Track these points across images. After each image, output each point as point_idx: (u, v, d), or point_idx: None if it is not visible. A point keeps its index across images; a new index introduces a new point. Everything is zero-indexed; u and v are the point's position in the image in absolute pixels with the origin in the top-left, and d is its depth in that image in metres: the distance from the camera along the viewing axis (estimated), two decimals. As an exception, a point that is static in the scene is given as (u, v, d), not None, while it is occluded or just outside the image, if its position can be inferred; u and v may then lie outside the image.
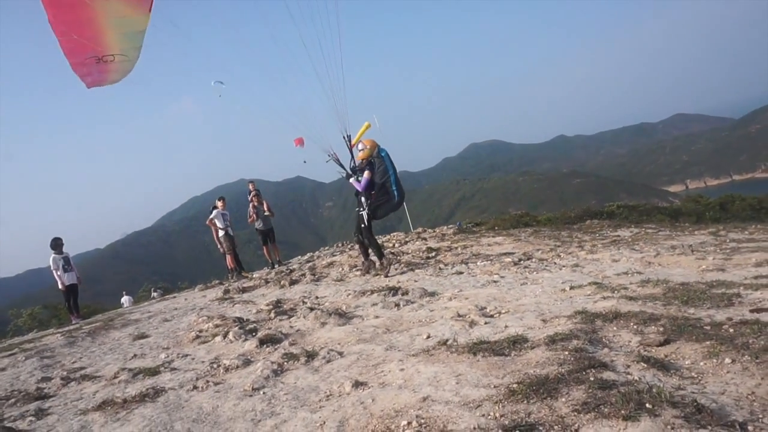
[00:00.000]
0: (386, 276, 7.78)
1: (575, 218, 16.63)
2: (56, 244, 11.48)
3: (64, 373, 4.73)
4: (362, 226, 8.16)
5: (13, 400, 4.01)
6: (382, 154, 7.92)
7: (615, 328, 3.54)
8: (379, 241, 9.87)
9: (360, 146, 8.04)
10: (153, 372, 4.27)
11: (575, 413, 2.24)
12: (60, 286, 11.51)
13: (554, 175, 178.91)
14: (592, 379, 2.57)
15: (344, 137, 8.52)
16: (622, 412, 2.15)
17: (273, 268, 12.72)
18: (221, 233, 12.71)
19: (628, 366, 2.77)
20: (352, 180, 8.24)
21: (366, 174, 7.98)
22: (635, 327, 3.50)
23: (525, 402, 2.43)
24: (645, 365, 2.74)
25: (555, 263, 7.42)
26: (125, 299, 22.69)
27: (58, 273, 11.43)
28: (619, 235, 10.89)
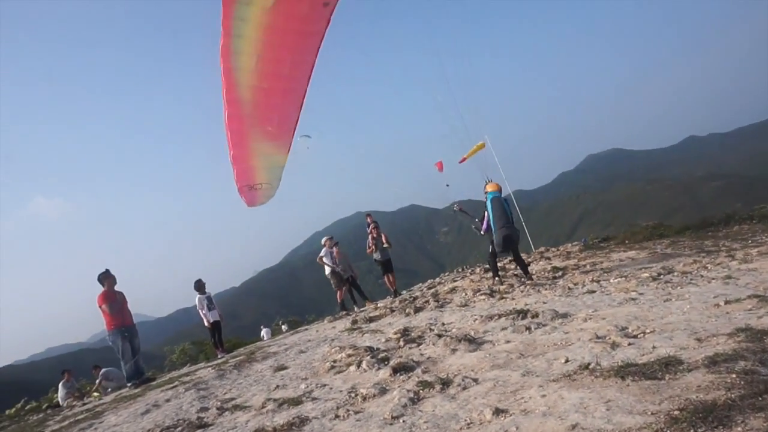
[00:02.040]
0: (494, 286, 9.15)
1: (719, 225, 14.97)
2: (199, 286, 12.65)
3: (219, 403, 5.14)
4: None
5: (179, 428, 4.44)
6: (488, 199, 9.44)
7: (790, 347, 3.11)
8: (501, 263, 12.79)
9: (487, 189, 9.62)
10: (296, 402, 4.49)
11: (756, 444, 1.98)
12: (206, 324, 12.62)
13: (687, 180, 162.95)
14: (771, 405, 2.26)
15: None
16: (818, 442, 1.86)
17: (395, 296, 12.97)
18: (328, 270, 13.28)
19: (816, 390, 2.40)
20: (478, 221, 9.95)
21: (484, 215, 9.57)
22: (817, 344, 3.04)
23: (692, 431, 2.20)
24: (838, 388, 2.36)
25: (702, 276, 6.72)
26: (264, 332, 24.23)
27: (203, 312, 12.55)
28: (777, 241, 9.61)
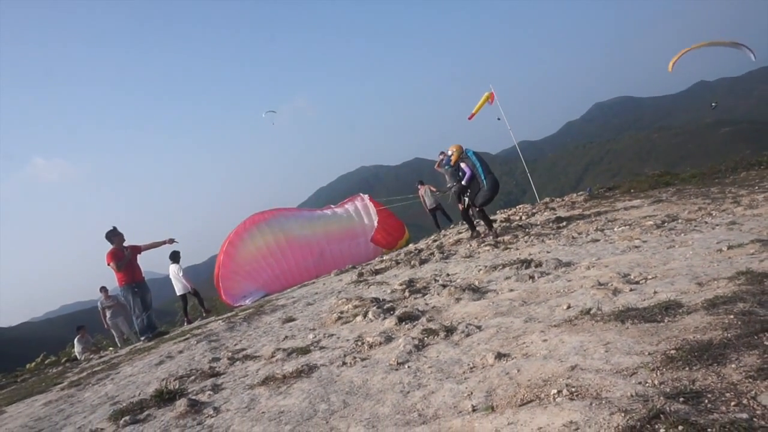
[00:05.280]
0: (480, 242, 9.17)
1: (726, 172, 14.84)
2: (177, 256, 12.74)
3: (230, 353, 5.29)
4: (461, 208, 10.15)
5: (193, 377, 4.59)
6: (469, 154, 9.67)
7: (790, 288, 3.14)
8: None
9: (449, 152, 9.95)
10: (304, 351, 4.62)
11: (750, 380, 2.03)
12: (190, 289, 12.74)
13: (695, 127, 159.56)
14: (767, 343, 2.31)
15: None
16: (810, 377, 1.91)
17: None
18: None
19: (812, 329, 2.44)
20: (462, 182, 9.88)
21: (466, 169, 9.62)
22: (816, 285, 3.07)
23: (687, 369, 2.26)
24: (833, 327, 2.40)
25: (706, 222, 6.73)
26: None
27: (186, 279, 12.73)
28: (784, 186, 9.55)
